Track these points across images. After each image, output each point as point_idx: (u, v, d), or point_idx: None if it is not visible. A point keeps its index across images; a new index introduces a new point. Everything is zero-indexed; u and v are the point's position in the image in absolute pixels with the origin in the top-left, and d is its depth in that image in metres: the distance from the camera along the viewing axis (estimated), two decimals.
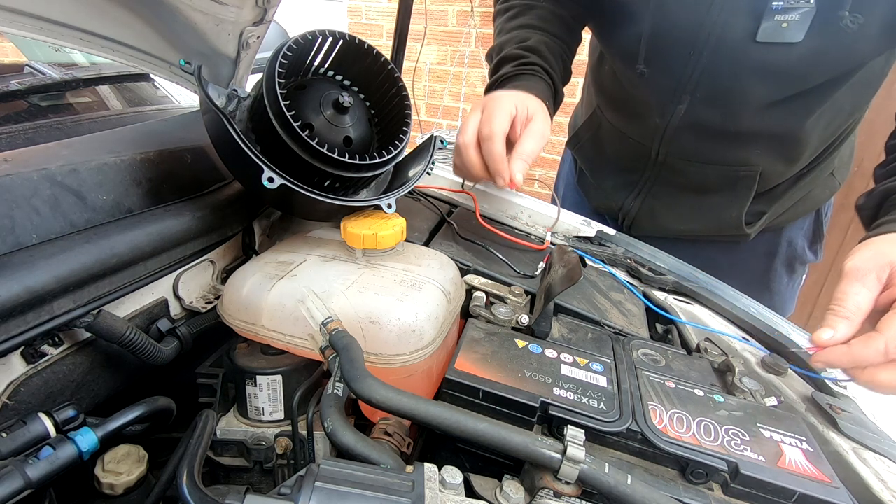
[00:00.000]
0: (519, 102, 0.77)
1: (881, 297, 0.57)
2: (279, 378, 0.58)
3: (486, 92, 0.94)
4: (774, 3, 0.72)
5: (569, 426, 0.45)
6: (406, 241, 0.70)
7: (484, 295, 0.70)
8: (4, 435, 0.44)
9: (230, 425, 0.59)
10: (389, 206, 0.66)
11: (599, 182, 1.17)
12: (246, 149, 0.56)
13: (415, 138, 3.00)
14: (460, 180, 0.97)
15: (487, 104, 0.77)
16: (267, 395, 0.58)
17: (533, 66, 0.89)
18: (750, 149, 0.93)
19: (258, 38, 0.81)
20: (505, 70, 0.90)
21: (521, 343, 0.58)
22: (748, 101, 0.85)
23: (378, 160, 0.63)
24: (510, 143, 0.77)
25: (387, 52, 0.80)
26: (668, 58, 0.86)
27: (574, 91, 2.57)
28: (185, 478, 0.44)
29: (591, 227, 0.91)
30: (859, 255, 0.59)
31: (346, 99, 0.62)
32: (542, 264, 0.76)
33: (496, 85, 0.91)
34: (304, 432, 0.56)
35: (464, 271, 0.74)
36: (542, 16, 0.96)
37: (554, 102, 0.91)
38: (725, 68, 0.82)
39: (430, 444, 0.59)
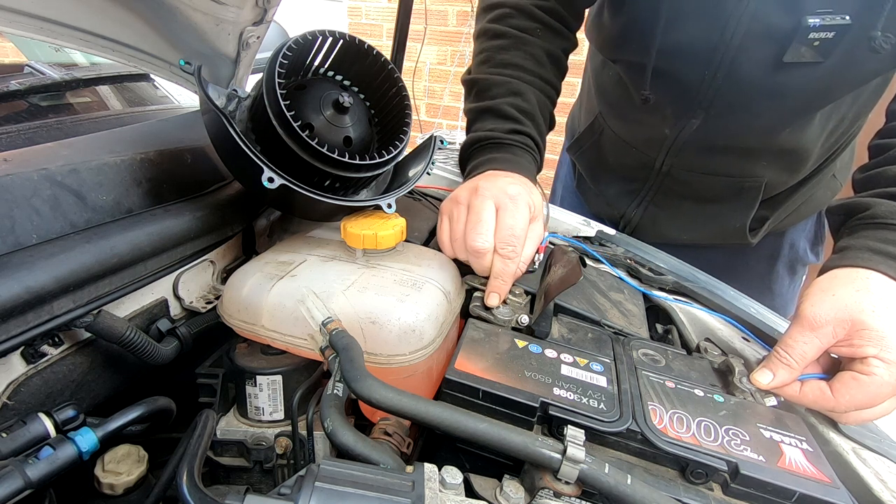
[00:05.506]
0: (532, 202, 0.69)
1: (832, 346, 0.57)
2: (279, 378, 0.58)
3: (463, 157, 0.86)
4: (811, 21, 0.70)
5: (569, 426, 0.45)
6: (406, 241, 0.70)
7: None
8: (4, 435, 0.44)
9: (230, 425, 0.59)
10: (389, 206, 0.66)
11: (600, 189, 1.16)
12: (246, 149, 0.56)
13: (415, 138, 3.00)
14: (460, 180, 0.97)
15: (501, 202, 0.67)
16: (267, 395, 0.58)
17: (527, 137, 0.83)
18: (756, 162, 0.92)
19: (258, 38, 0.81)
20: (495, 132, 0.82)
21: (521, 343, 0.58)
22: (761, 118, 0.85)
23: (378, 160, 0.63)
24: None
25: (387, 52, 0.80)
26: (681, 78, 0.85)
27: (573, 90, 2.57)
28: (185, 478, 0.44)
29: (590, 227, 0.91)
30: (820, 302, 0.56)
31: (346, 99, 0.62)
32: (539, 256, 0.76)
33: (481, 144, 0.82)
34: (304, 432, 0.56)
35: (464, 271, 0.74)
36: (536, 56, 0.88)
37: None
38: (742, 88, 0.81)
39: (430, 444, 0.59)
